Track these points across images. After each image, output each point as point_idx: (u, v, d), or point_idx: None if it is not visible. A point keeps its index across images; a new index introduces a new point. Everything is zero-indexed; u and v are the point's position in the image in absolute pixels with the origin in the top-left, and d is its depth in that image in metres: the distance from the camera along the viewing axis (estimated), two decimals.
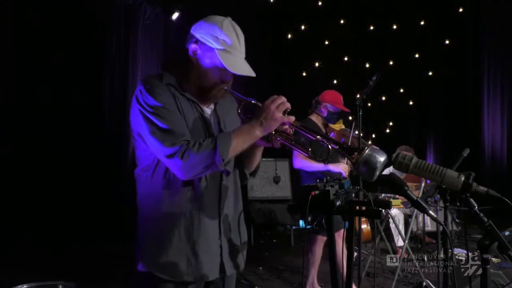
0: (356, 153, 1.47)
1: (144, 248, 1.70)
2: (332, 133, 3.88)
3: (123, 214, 5.04)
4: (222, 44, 1.64)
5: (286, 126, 1.64)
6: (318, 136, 1.63)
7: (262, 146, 1.77)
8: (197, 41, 1.68)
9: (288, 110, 1.61)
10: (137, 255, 1.71)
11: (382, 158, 1.45)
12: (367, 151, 1.45)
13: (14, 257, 4.76)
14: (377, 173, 1.45)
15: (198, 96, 1.73)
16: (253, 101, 1.67)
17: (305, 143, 1.69)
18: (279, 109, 1.58)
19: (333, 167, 3.64)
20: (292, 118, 1.61)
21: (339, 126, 3.97)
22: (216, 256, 1.72)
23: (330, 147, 1.59)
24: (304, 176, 3.87)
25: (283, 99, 1.60)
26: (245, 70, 1.67)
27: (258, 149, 1.81)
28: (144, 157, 1.71)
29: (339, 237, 3.71)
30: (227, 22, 1.67)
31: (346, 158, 3.30)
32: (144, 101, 1.62)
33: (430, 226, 5.66)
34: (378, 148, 1.52)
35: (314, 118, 3.93)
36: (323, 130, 3.91)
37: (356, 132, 3.56)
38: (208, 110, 1.77)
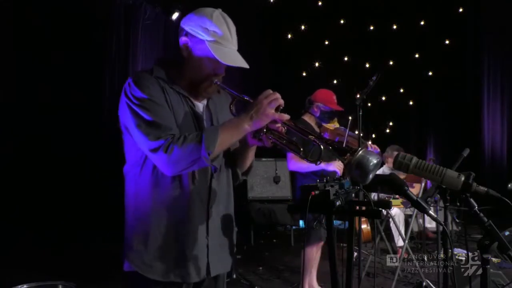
0: (348, 154, 1.43)
1: (130, 247, 1.65)
2: (325, 133, 3.84)
3: (123, 214, 5.04)
4: (213, 36, 1.60)
5: (278, 124, 1.59)
6: (310, 136, 1.58)
7: (255, 145, 1.73)
8: (187, 34, 1.64)
9: (281, 107, 1.55)
10: (123, 254, 1.67)
11: (375, 161, 1.41)
12: (360, 152, 1.41)
13: (14, 257, 4.75)
14: (370, 176, 1.41)
15: (189, 91, 1.69)
16: (245, 98, 1.63)
17: (298, 142, 1.64)
18: (272, 105, 1.53)
19: (326, 166, 3.60)
20: (285, 116, 1.55)
21: (333, 125, 3.91)
22: (203, 256, 1.67)
23: (322, 147, 1.55)
24: (299, 177, 3.82)
25: (277, 95, 1.55)
26: (238, 61, 1.62)
27: (251, 148, 1.77)
28: (131, 153, 1.67)
29: (318, 248, 3.73)
30: (217, 13, 1.63)
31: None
32: (131, 93, 1.58)
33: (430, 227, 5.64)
34: (371, 150, 1.51)
35: (307, 118, 3.86)
36: (317, 130, 3.87)
37: (356, 132, 3.56)
38: (200, 105, 1.73)
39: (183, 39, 1.65)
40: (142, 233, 1.63)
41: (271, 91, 1.56)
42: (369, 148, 3.58)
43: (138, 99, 1.56)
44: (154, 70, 1.66)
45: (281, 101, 1.55)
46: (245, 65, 1.62)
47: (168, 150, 1.50)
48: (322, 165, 3.57)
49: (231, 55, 1.62)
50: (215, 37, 1.60)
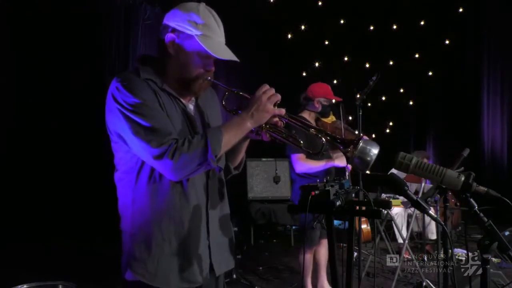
0: (352, 146, 1.46)
1: (133, 256, 1.59)
2: (326, 127, 3.79)
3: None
4: (202, 30, 1.53)
5: (277, 119, 1.58)
6: (312, 129, 1.59)
7: (248, 140, 1.72)
8: (174, 30, 1.57)
9: (278, 102, 1.55)
10: (124, 263, 1.62)
11: (376, 150, 1.47)
12: (361, 143, 1.45)
13: (14, 257, 4.75)
14: (371, 164, 1.47)
15: (179, 91, 1.62)
16: (239, 92, 1.62)
17: (297, 136, 1.64)
18: (271, 101, 1.52)
19: (339, 163, 3.50)
20: (283, 111, 1.56)
21: (331, 119, 3.85)
22: (206, 257, 1.65)
23: (324, 140, 1.55)
24: (297, 179, 3.66)
25: (273, 90, 1.55)
26: (229, 54, 1.57)
27: (244, 143, 1.74)
28: (126, 159, 1.59)
29: (324, 246, 3.67)
30: (203, 7, 1.58)
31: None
32: (123, 99, 1.49)
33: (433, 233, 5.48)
34: (370, 139, 1.54)
35: (306, 115, 3.74)
36: (317, 126, 3.80)
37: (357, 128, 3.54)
38: (189, 105, 1.68)
39: (169, 36, 1.57)
40: (144, 241, 1.58)
41: (268, 86, 1.56)
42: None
43: (132, 105, 1.48)
44: (140, 71, 1.57)
45: (279, 96, 1.55)
46: (235, 58, 1.57)
47: (174, 156, 1.45)
48: (335, 163, 3.51)
49: (221, 49, 1.57)
50: (204, 31, 1.54)
